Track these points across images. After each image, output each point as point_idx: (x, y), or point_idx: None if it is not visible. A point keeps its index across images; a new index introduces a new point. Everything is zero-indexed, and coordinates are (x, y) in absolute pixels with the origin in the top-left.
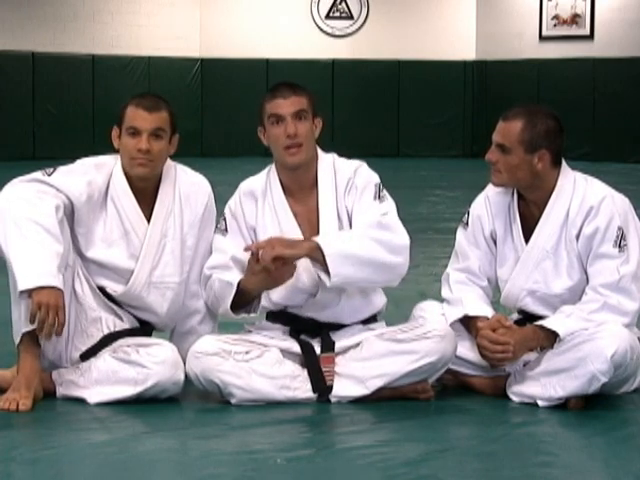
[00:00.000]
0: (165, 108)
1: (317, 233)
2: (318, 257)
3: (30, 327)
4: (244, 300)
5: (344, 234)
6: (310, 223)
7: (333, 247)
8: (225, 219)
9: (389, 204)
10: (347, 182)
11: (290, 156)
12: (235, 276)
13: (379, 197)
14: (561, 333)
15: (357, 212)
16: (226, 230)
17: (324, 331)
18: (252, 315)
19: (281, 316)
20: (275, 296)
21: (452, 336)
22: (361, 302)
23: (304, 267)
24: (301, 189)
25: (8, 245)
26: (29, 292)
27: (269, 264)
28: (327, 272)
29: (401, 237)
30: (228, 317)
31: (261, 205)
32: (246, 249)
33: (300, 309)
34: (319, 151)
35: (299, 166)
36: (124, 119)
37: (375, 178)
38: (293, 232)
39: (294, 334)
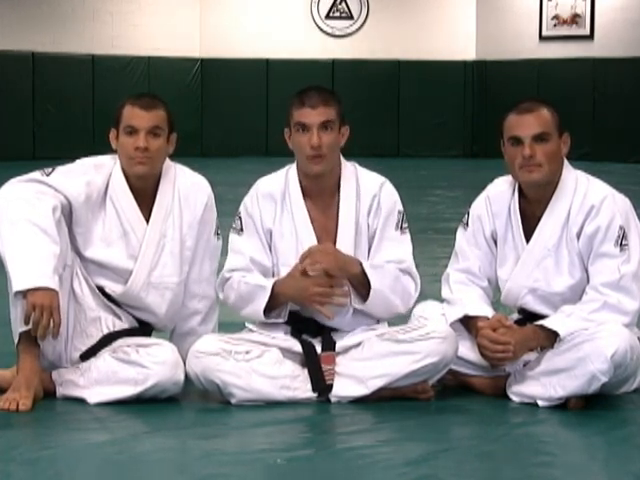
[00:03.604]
0: (162, 106)
1: (333, 242)
2: (360, 285)
3: (25, 328)
4: (274, 304)
5: (385, 271)
6: (327, 231)
7: (377, 284)
8: (240, 218)
9: (408, 237)
10: (372, 199)
11: (312, 166)
12: (266, 279)
13: (401, 228)
14: (561, 333)
15: (381, 240)
16: (242, 230)
17: (325, 331)
18: (279, 320)
19: None
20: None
21: (454, 337)
22: (368, 316)
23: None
24: (321, 195)
25: (4, 245)
26: (24, 293)
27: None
28: (358, 293)
29: (417, 287)
30: (253, 318)
31: (279, 208)
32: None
33: (304, 309)
34: (342, 158)
35: (321, 175)
36: (121, 119)
37: (399, 203)
38: (309, 239)
39: (295, 334)
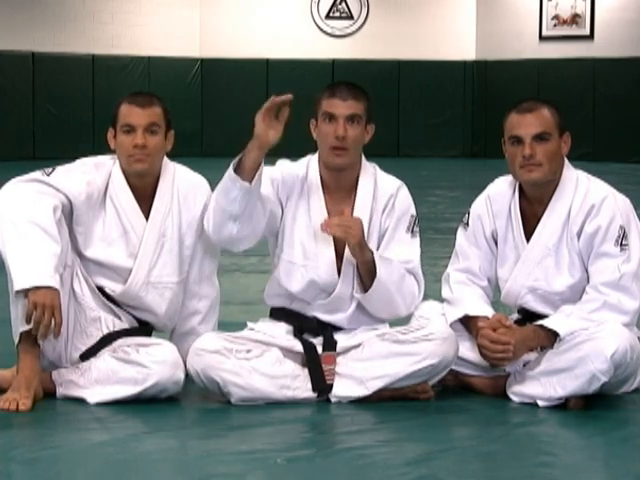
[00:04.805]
0: (158, 104)
1: None
2: (367, 274)
3: (26, 327)
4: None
5: (393, 266)
6: None
7: (383, 276)
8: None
9: (417, 242)
10: (388, 198)
11: (334, 157)
12: None
13: (412, 231)
14: (561, 333)
15: (390, 239)
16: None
17: (327, 330)
18: (248, 185)
19: (285, 315)
20: (294, 285)
21: (454, 339)
22: (368, 314)
23: (327, 264)
24: (339, 189)
25: (5, 245)
26: (25, 292)
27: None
28: (362, 284)
29: (421, 290)
30: (226, 194)
31: (297, 193)
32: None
33: (306, 307)
34: (363, 157)
35: (341, 169)
36: (118, 118)
37: (413, 208)
38: (321, 229)
39: (297, 333)
